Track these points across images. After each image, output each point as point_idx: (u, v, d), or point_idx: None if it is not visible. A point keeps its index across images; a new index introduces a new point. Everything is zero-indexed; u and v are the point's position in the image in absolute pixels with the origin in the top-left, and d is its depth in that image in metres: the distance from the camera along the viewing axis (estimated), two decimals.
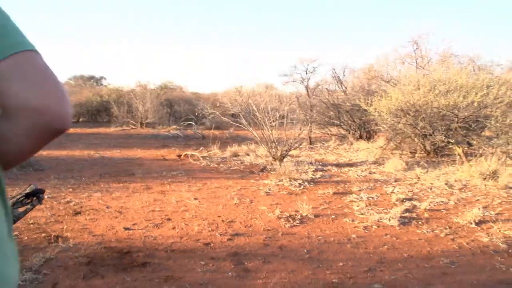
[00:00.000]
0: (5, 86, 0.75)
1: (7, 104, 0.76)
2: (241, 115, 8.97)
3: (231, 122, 9.45)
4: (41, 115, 0.76)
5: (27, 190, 1.52)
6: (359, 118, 10.83)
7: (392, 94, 7.53)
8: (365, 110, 9.23)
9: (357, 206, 5.19)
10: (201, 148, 10.15)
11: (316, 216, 4.83)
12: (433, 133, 7.43)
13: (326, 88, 12.49)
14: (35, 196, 1.28)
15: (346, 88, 12.05)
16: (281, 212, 4.94)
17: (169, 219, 4.65)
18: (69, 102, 0.81)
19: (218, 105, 11.45)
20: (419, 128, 7.43)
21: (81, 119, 22.55)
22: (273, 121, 8.39)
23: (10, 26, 0.80)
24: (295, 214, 4.84)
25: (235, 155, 9.33)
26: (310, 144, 11.23)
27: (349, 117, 11.24)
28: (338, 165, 8.37)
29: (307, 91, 12.17)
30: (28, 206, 1.51)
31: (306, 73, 12.09)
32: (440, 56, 9.38)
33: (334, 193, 5.95)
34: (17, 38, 0.80)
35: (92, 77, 41.96)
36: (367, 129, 11.20)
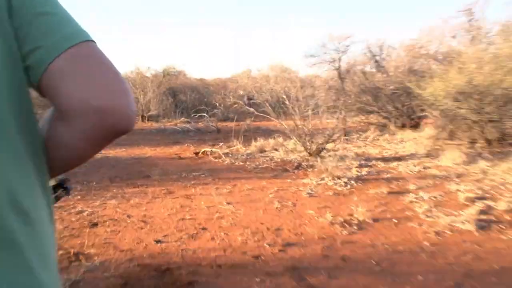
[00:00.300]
0: (62, 85, 0.74)
1: (64, 105, 0.75)
2: (267, 104, 8.91)
3: (256, 113, 9.41)
4: (103, 117, 0.75)
5: (53, 182, 1.49)
6: (402, 103, 10.71)
7: (450, 75, 7.41)
8: (411, 93, 9.12)
9: (420, 208, 5.11)
10: (220, 144, 10.12)
11: (375, 220, 4.77)
12: (501, 119, 7.32)
13: (362, 70, 12.36)
14: (62, 187, 1.24)
15: (387, 69, 11.90)
16: (333, 216, 4.88)
17: (204, 229, 4.62)
18: (133, 98, 0.80)
19: (241, 93, 11.39)
20: (484, 113, 7.32)
21: None
22: (306, 110, 8.32)
23: (60, 14, 0.79)
24: (350, 219, 4.79)
25: (262, 150, 9.29)
26: (345, 135, 11.15)
27: (389, 102, 11.13)
28: (384, 159, 8.30)
29: (339, 74, 12.05)
30: (53, 199, 1.47)
31: (338, 53, 11.97)
32: (502, 26, 9.11)
33: (389, 193, 5.88)
34: (70, 28, 0.78)
35: None
36: (411, 116, 11.09)
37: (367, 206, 5.21)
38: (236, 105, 11.29)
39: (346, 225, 4.62)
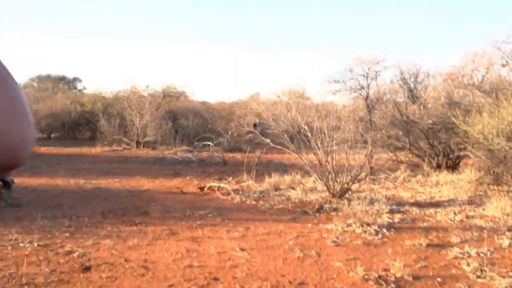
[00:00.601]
0: None
1: None
2: (285, 135, 8.89)
3: (273, 145, 9.39)
4: None
5: None
6: (439, 140, 10.67)
7: (504, 110, 7.35)
8: (451, 129, 9.08)
9: (468, 266, 5.00)
10: (229, 179, 10.08)
11: (416, 278, 4.66)
12: None
13: (394, 100, 12.35)
14: (2, 181, 1.17)
15: (424, 99, 11.89)
16: (365, 271, 4.78)
17: (216, 279, 4.53)
18: (31, 124, 0.71)
19: (257, 122, 11.40)
20: None
21: (53, 135, 22.73)
22: (331, 145, 8.29)
23: None
24: (386, 275, 4.69)
25: (276, 188, 9.24)
26: (371, 174, 11.08)
27: (424, 138, 11.09)
28: (418, 204, 8.21)
29: (367, 103, 12.05)
30: None
31: (366, 79, 11.99)
32: None
33: (428, 245, 5.78)
34: None
35: (63, 78, 42.46)
36: (449, 156, 11.03)
37: (404, 260, 5.09)
38: (251, 134, 11.27)
39: (382, 282, 4.52)
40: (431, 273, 4.82)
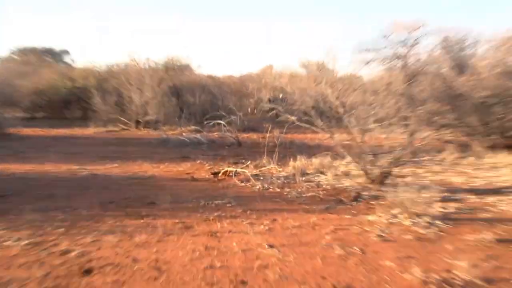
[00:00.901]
0: None
1: None
2: (312, 113, 8.61)
3: (300, 123, 9.12)
4: None
5: None
6: (495, 116, 10.34)
7: None
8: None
9: None
10: (246, 162, 9.83)
11: (488, 281, 4.36)
12: None
13: (437, 71, 11.98)
14: None
15: (475, 69, 11.52)
16: (422, 272, 4.50)
17: (244, 283, 4.27)
18: None
19: (280, 96, 11.17)
20: None
21: (38, 114, 22.59)
22: (368, 123, 8.00)
23: None
24: (451, 277, 4.40)
25: (303, 173, 8.99)
26: (414, 156, 10.80)
27: (475, 114, 10.76)
28: (474, 191, 7.91)
29: (406, 75, 11.65)
30: None
31: (405, 47, 11.56)
32: None
33: (498, 241, 5.47)
34: None
35: (49, 51, 42.36)
36: (505, 134, 10.70)
37: (470, 259, 4.81)
38: (274, 111, 11.05)
39: (447, 286, 4.23)
40: (506, 275, 4.52)
